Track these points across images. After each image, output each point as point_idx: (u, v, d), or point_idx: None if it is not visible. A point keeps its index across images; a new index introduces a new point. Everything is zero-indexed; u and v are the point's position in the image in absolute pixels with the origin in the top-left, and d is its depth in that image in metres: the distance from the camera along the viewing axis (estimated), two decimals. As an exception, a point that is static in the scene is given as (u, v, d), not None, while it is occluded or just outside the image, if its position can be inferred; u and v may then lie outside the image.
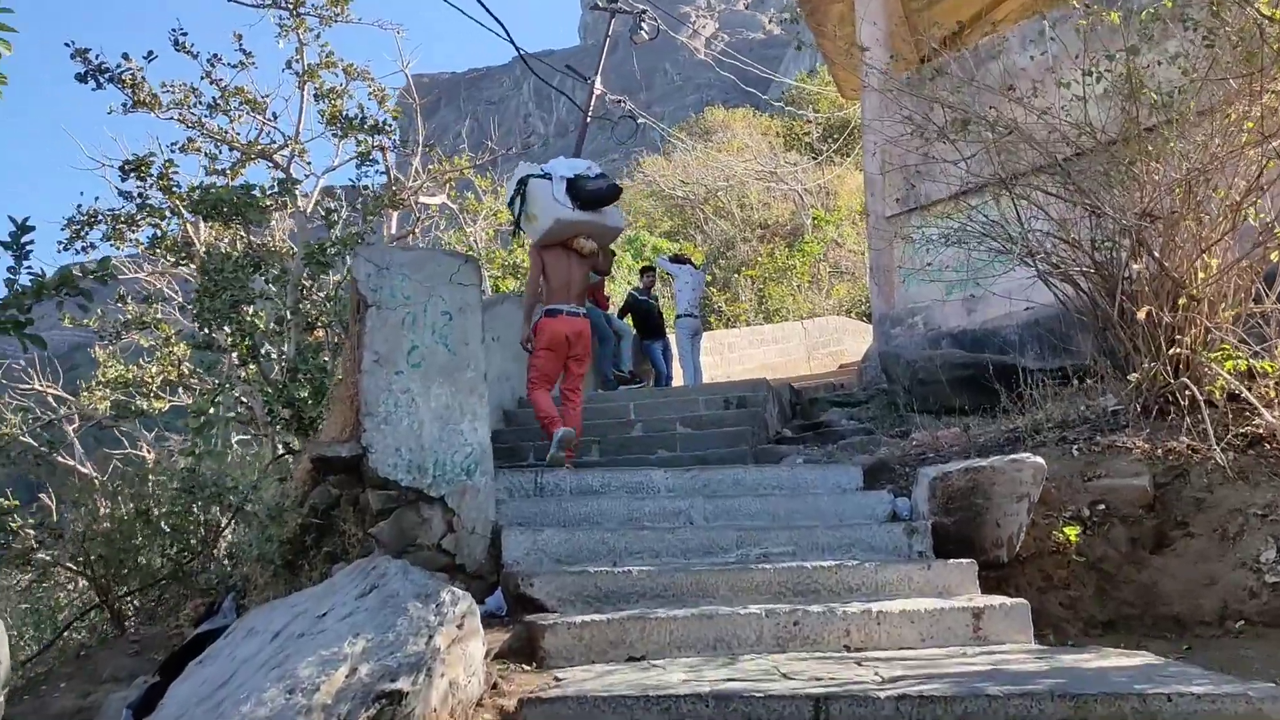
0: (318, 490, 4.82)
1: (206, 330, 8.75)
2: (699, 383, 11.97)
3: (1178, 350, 5.76)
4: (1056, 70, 6.64)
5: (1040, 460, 5.20)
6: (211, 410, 8.62)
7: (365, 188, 10.15)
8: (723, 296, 22.05)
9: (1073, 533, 5.28)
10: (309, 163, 10.12)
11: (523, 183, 6.79)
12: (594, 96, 13.20)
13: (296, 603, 3.77)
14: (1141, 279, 5.96)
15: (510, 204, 6.99)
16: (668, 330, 12.78)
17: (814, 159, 28.63)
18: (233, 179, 10.26)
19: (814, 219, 25.29)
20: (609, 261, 8.17)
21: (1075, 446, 5.86)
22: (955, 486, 5.16)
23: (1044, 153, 6.16)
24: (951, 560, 4.86)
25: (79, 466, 12.09)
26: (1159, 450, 5.70)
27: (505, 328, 9.00)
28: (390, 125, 10.16)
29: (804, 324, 19.36)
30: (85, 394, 11.99)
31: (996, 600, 4.52)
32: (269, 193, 9.41)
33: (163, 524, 7.55)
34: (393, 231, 12.07)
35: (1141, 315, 5.63)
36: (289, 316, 9.16)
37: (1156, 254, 5.88)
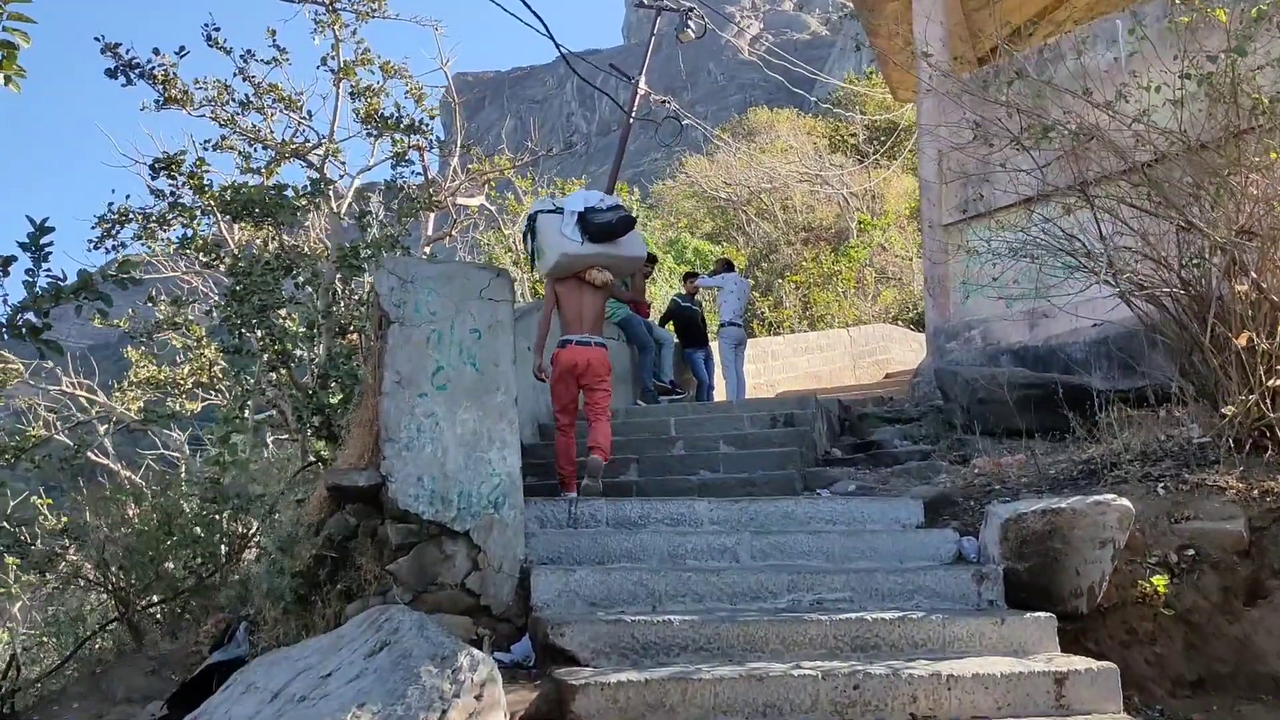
0: (334, 519, 4.45)
1: (235, 335, 8.46)
2: (742, 394, 11.52)
3: (1277, 381, 5.24)
4: (1139, 72, 6.12)
5: (1127, 504, 4.70)
6: (237, 419, 8.35)
7: (401, 188, 9.80)
8: (766, 302, 21.55)
9: (1161, 583, 4.78)
10: (343, 162, 9.81)
11: (532, 219, 6.87)
12: (638, 96, 12.77)
13: (300, 656, 3.39)
14: (1236, 301, 5.44)
15: (525, 239, 7.12)
16: (710, 339, 12.34)
17: (860, 162, 28.01)
18: (267, 179, 9.96)
19: (860, 223, 24.69)
20: (640, 289, 7.97)
21: (1161, 484, 5.35)
22: (1031, 530, 4.68)
23: (1131, 162, 5.65)
24: (1029, 614, 4.39)
25: (111, 465, 11.91)
26: (1254, 490, 5.18)
27: (542, 337, 8.60)
28: (427, 125, 9.82)
29: (849, 332, 18.81)
30: (117, 394, 11.79)
31: (1081, 664, 4.04)
32: (302, 193, 9.12)
33: (188, 534, 7.28)
34: (429, 233, 11.74)
35: (1242, 342, 5.11)
36: (320, 320, 8.84)
37: (1254, 274, 5.35)
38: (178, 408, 11.16)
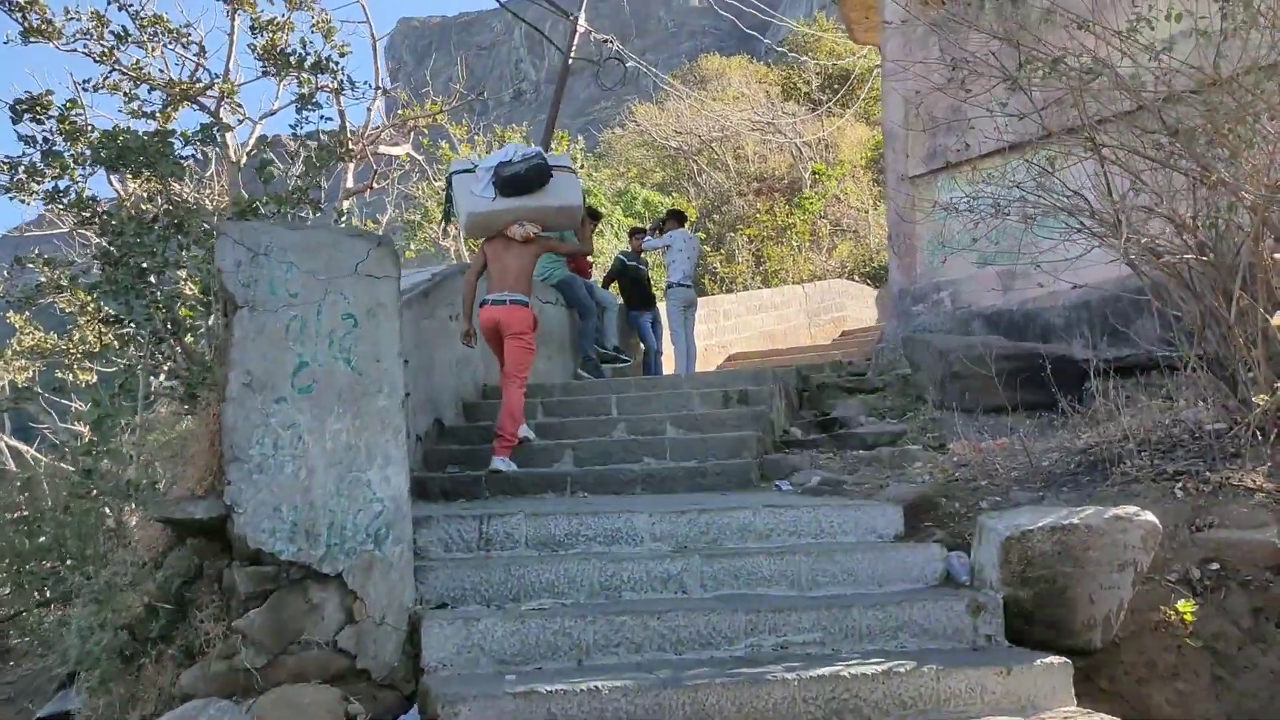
0: (174, 555, 3.51)
1: (114, 301, 7.36)
2: (693, 363, 10.64)
3: (1316, 364, 4.47)
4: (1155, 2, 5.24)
5: (1152, 519, 3.91)
6: (115, 397, 7.28)
7: (309, 136, 8.68)
8: (717, 256, 20.65)
9: (1187, 609, 4.02)
10: (239, 105, 8.64)
11: (449, 180, 6.73)
12: (577, 35, 11.65)
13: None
14: (1265, 270, 4.65)
15: (446, 203, 6.98)
16: (658, 299, 11.43)
17: (813, 110, 27.03)
18: (164, 124, 8.78)
19: (815, 172, 23.78)
20: (585, 241, 7.35)
21: (1179, 484, 4.57)
22: (1037, 551, 3.88)
23: (1144, 103, 4.80)
24: (1039, 659, 3.59)
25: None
26: (1288, 492, 4.43)
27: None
28: (336, 63, 8.67)
29: (804, 288, 18.01)
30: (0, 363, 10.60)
31: (1109, 730, 3.25)
32: (192, 139, 7.98)
33: (58, 534, 6.29)
34: (348, 185, 10.63)
35: (1276, 322, 4.31)
36: (216, 286, 7.75)
37: (1289, 238, 4.56)
38: (70, 379, 10.02)
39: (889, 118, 9.93)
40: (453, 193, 6.52)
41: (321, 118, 8.78)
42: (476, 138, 15.21)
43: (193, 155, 7.96)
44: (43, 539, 6.53)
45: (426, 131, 13.55)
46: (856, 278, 20.81)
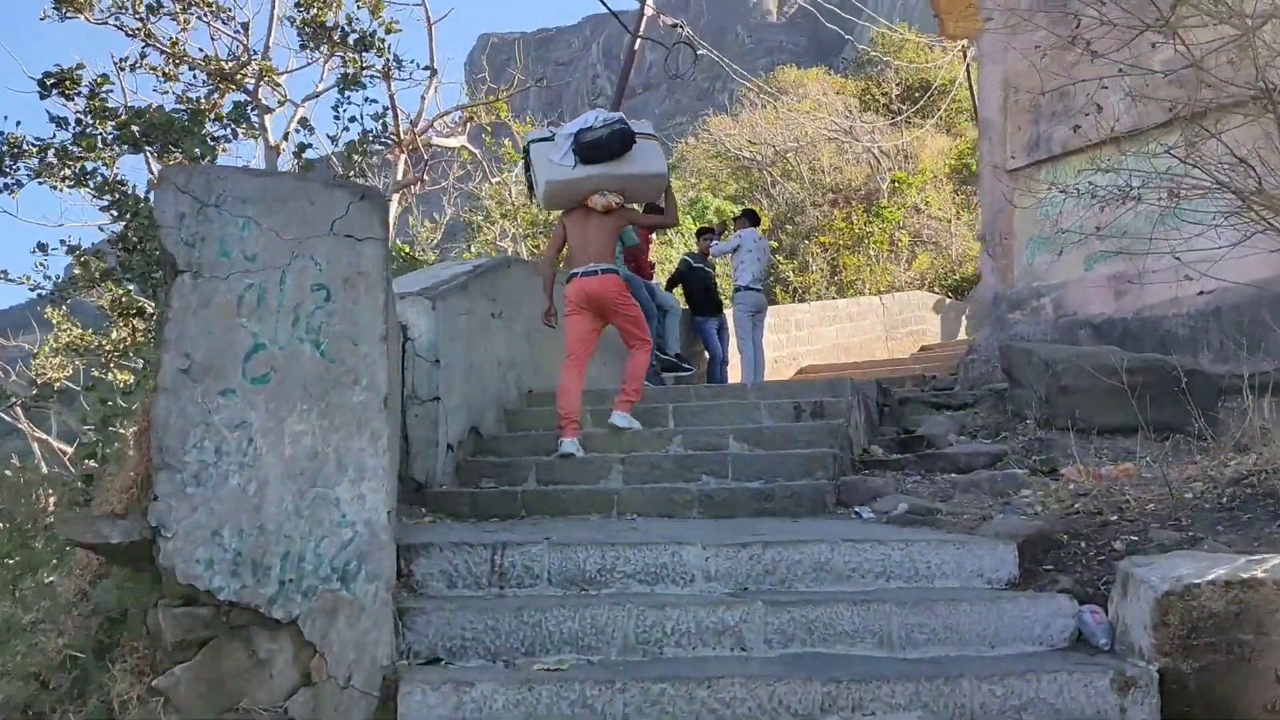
0: (101, 588, 2.79)
1: (133, 290, 6.83)
2: (761, 371, 9.79)
3: None
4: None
5: (1368, 575, 2.98)
6: (122, 393, 6.70)
7: (352, 119, 8.07)
8: (790, 265, 19.72)
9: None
10: (278, 85, 8.05)
11: (526, 150, 6.41)
12: (645, 18, 10.88)
13: None
14: None
15: (526, 173, 6.66)
16: (725, 305, 10.60)
17: (891, 121, 25.99)
18: (210, 110, 8.27)
19: (894, 180, 22.71)
20: (670, 213, 6.60)
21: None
22: (1207, 611, 2.97)
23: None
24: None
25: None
26: None
27: (514, 301, 6.93)
28: (384, 40, 8.06)
29: (882, 299, 16.99)
30: (36, 360, 10.21)
31: None
32: (227, 117, 7.42)
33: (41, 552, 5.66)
34: (398, 178, 10.02)
35: None
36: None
37: None
38: (108, 376, 9.57)
39: (985, 104, 8.99)
40: (531, 161, 6.19)
41: (366, 99, 8.13)
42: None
43: (224, 135, 7.39)
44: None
45: (490, 129, 12.95)
46: (938, 290, 19.69)
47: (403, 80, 8.87)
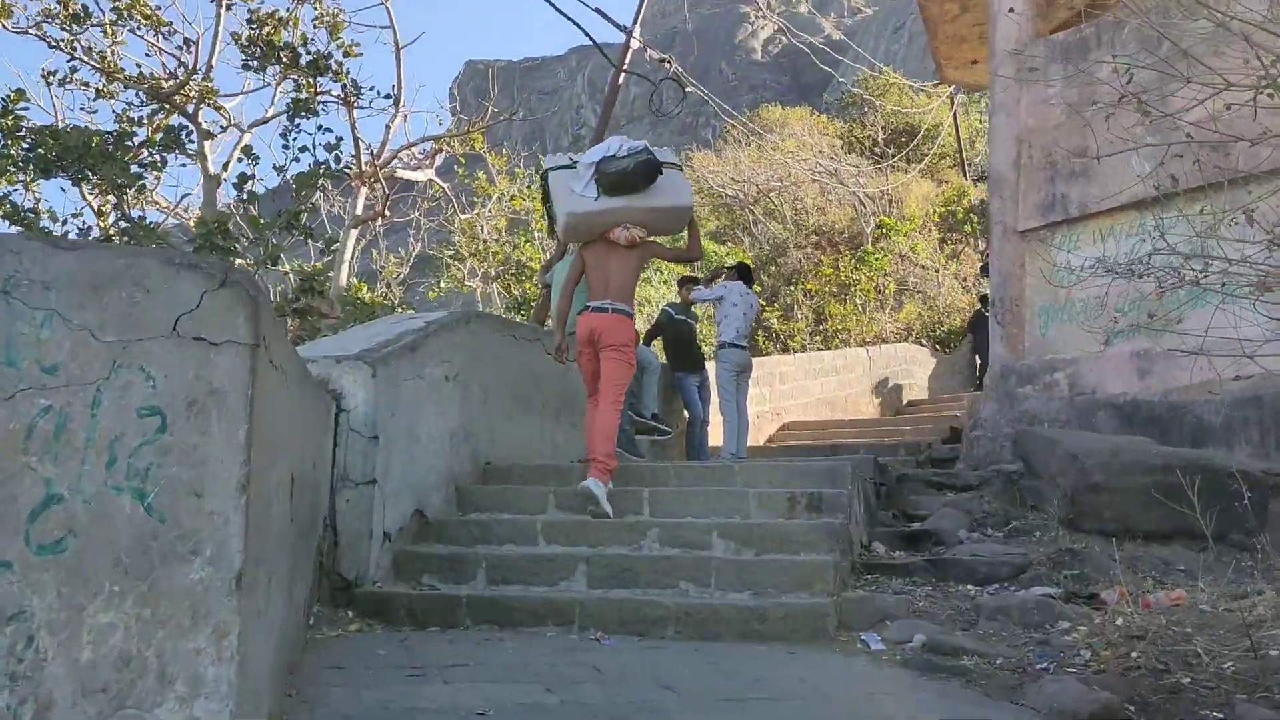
0: None
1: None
2: (745, 437, 8.99)
3: None
4: None
5: None
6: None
7: (303, 149, 7.27)
8: (774, 311, 19.02)
9: None
10: (220, 109, 7.23)
11: (544, 177, 6.15)
12: (630, 51, 10.23)
13: None
14: None
15: (545, 203, 6.32)
16: (707, 359, 9.81)
17: (876, 164, 25.49)
18: (154, 132, 7.43)
19: (881, 225, 22.13)
20: (695, 247, 6.35)
21: None
22: None
23: None
24: None
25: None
26: None
27: (473, 361, 6.12)
28: (340, 64, 7.27)
29: (869, 351, 16.30)
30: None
31: None
32: (155, 143, 6.59)
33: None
34: (357, 212, 9.20)
35: None
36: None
37: None
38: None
39: (996, 158, 8.30)
40: (550, 191, 5.95)
41: (320, 128, 7.32)
42: (517, 169, 13.82)
43: (153, 161, 6.56)
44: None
45: (463, 161, 12.18)
46: (924, 341, 19.07)
47: (363, 109, 8.08)
